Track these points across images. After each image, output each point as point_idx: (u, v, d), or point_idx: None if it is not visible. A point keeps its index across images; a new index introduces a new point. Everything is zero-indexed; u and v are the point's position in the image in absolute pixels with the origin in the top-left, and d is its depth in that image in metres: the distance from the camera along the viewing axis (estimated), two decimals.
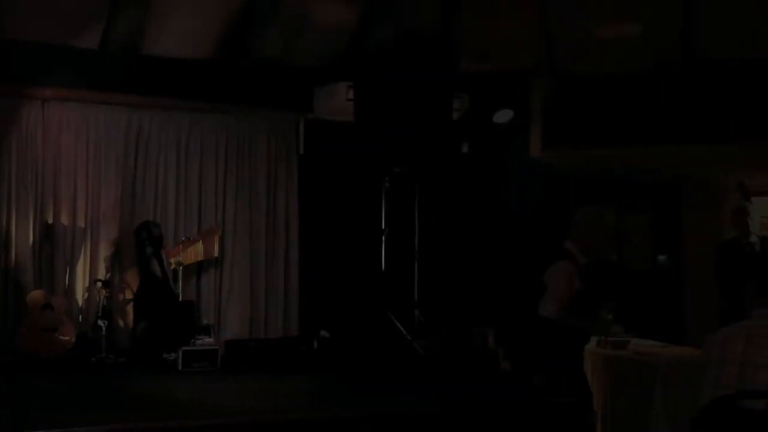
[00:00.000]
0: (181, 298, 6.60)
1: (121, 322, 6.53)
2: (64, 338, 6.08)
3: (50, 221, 6.55)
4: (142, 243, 6.49)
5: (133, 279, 6.59)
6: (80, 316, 6.46)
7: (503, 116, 7.06)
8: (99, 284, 6.44)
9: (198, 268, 6.97)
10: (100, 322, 6.21)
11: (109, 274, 6.63)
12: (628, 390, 5.11)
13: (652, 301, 8.50)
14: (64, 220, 6.59)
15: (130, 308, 6.54)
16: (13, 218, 6.42)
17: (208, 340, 6.13)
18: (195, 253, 6.77)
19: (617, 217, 9.16)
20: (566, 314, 4.64)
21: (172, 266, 6.59)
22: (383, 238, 5.86)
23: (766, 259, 5.87)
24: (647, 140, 7.12)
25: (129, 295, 6.58)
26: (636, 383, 4.99)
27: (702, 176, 8.90)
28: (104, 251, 6.68)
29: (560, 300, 4.61)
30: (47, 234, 6.54)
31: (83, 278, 6.60)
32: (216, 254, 6.87)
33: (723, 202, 9.37)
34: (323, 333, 6.34)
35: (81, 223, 6.62)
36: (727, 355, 3.08)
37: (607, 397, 5.16)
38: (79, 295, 6.56)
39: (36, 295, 6.18)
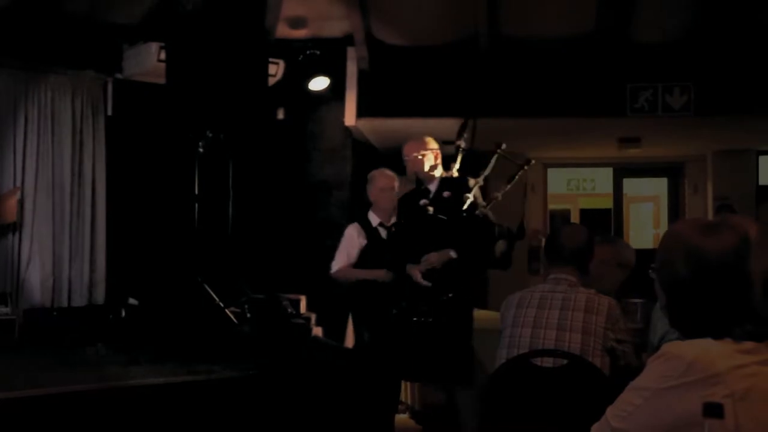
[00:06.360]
0: None
1: None
2: None
3: None
4: None
5: None
6: None
7: (319, 84, 7.10)
8: None
9: None
10: None
11: None
12: None
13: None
14: None
15: None
16: None
17: (4, 310, 5.82)
18: None
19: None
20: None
21: None
22: (196, 203, 5.74)
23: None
24: (456, 112, 7.39)
25: None
26: None
27: (510, 149, 9.37)
28: None
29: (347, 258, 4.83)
30: None
31: None
32: (14, 218, 6.48)
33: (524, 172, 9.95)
34: (132, 300, 6.16)
35: None
36: (521, 317, 3.29)
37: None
38: None
39: None
